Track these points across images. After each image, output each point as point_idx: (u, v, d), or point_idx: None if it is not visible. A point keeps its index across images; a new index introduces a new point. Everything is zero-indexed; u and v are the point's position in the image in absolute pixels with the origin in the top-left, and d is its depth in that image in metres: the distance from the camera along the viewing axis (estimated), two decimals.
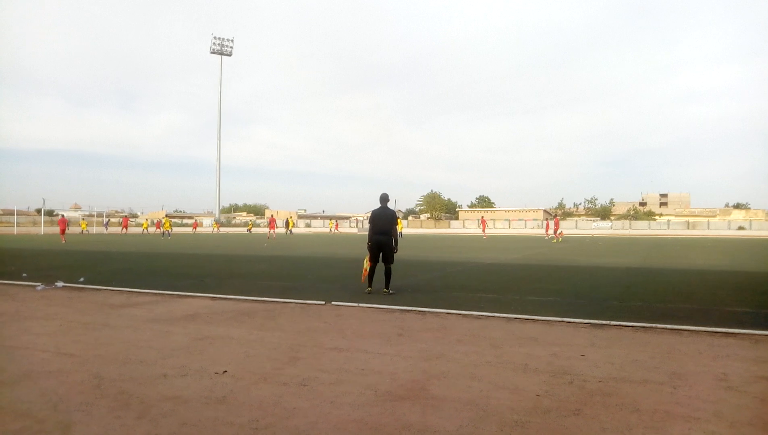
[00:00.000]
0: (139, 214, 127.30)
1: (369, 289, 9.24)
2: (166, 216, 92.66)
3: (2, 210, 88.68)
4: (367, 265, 9.39)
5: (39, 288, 9.76)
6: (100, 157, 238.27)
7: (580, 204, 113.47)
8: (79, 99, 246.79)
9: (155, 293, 9.23)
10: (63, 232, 34.65)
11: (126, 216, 60.87)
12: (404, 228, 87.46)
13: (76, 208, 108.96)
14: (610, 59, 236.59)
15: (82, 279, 11.00)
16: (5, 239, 35.95)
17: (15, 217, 58.58)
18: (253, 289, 9.68)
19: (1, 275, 11.93)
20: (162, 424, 3.30)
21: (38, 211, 68.27)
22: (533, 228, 79.83)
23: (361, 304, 7.99)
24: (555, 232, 37.27)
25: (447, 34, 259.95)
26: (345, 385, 4.11)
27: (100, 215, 62.89)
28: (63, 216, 41.05)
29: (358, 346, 5.39)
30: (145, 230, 54.12)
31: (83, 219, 56.56)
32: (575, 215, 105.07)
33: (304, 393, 3.90)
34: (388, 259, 9.28)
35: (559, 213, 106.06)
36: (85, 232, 51.24)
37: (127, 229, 53.67)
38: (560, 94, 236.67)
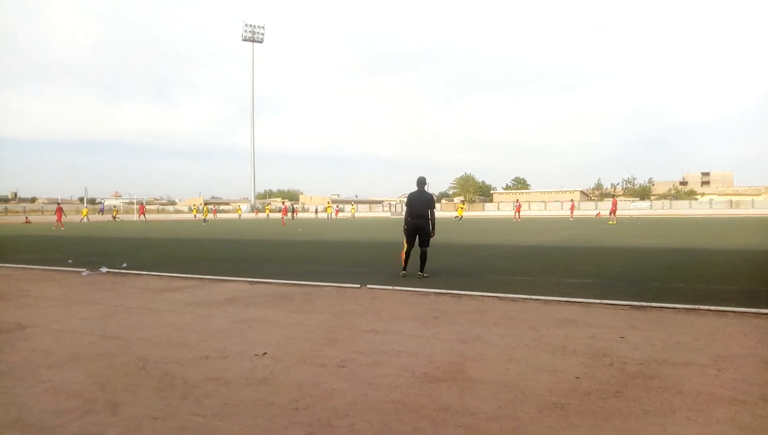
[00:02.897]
0: (177, 201, 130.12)
1: (404, 272, 9.23)
2: (205, 203, 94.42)
3: (47, 199, 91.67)
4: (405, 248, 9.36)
5: (84, 274, 10.08)
6: (138, 146, 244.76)
7: (617, 184, 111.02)
8: (116, 90, 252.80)
9: (195, 278, 9.44)
10: (60, 219, 36.25)
11: (142, 203, 62.55)
12: (438, 211, 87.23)
13: (117, 196, 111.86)
14: (648, 33, 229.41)
15: (124, 265, 11.32)
16: (50, 227, 37.19)
17: (59, 204, 60.47)
18: (289, 273, 9.81)
19: (48, 262, 12.37)
20: (205, 404, 3.39)
21: (81, 199, 70.25)
22: (568, 210, 78.54)
23: (396, 287, 8.01)
24: (612, 212, 36.46)
25: (477, 12, 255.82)
26: (382, 366, 4.14)
27: (139, 202, 64.45)
28: (59, 204, 42.60)
29: (394, 329, 5.42)
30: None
31: (86, 207, 58.05)
32: (613, 195, 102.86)
33: (342, 374, 3.95)
34: (425, 243, 9.22)
35: (596, 193, 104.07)
36: (84, 220, 52.30)
37: (144, 215, 55.55)
38: (597, 71, 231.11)
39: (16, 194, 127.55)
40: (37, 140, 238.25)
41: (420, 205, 9.18)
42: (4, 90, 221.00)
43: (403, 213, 9.58)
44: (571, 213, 49.37)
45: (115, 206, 62.31)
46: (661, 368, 4.02)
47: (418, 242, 9.23)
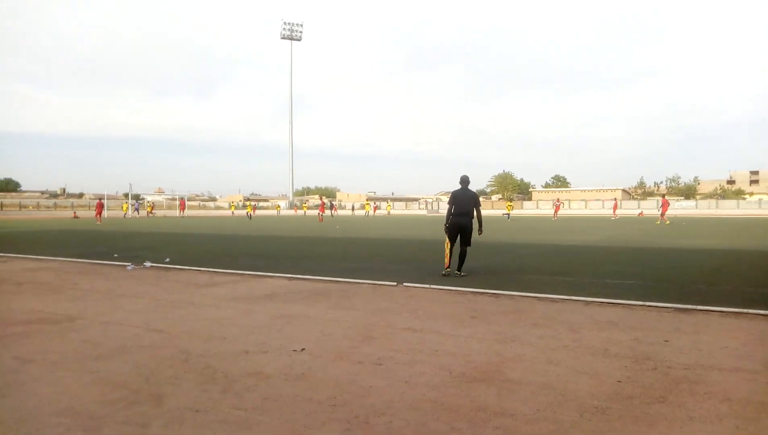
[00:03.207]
0: (218, 197, 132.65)
1: (447, 270, 9.14)
2: (245, 199, 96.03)
3: (93, 194, 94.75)
4: (447, 249, 9.29)
5: (129, 268, 10.39)
6: (181, 143, 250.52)
7: (661, 182, 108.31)
8: (160, 88, 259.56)
9: (236, 273, 9.62)
10: (99, 214, 37.42)
11: (183, 199, 64.05)
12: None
13: (160, 192, 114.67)
14: (692, 28, 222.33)
15: (167, 259, 11.61)
16: (94, 222, 38.41)
17: (105, 201, 62.46)
18: (326, 270, 9.89)
19: (95, 256, 12.80)
20: (246, 398, 3.45)
21: (125, 195, 72.43)
22: (611, 208, 76.87)
23: (432, 286, 7.99)
24: (662, 213, 35.18)
25: (515, 7, 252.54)
26: (419, 365, 4.14)
27: (181, 198, 66.02)
28: (99, 200, 44.04)
29: (431, 327, 5.41)
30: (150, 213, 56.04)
31: (127, 202, 59.75)
32: (656, 194, 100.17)
33: (379, 372, 3.97)
34: (467, 242, 9.17)
35: (638, 192, 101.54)
36: (128, 215, 53.91)
37: (183, 211, 56.99)
38: (639, 66, 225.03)
39: (64, 190, 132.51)
40: (85, 137, 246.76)
41: (465, 203, 9.13)
42: (56, 89, 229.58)
43: (444, 211, 9.55)
44: (614, 212, 48.38)
45: (149, 203, 63.99)
46: (708, 374, 3.90)
47: (460, 240, 9.17)
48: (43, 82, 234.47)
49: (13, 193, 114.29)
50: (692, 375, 3.87)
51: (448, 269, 9.14)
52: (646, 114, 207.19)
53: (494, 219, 41.83)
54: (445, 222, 9.40)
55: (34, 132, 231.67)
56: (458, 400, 3.41)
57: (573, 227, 28.41)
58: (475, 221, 9.22)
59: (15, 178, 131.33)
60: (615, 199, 61.28)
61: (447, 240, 9.33)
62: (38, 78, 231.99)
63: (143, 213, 59.49)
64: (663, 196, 49.67)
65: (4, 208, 75.98)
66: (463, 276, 8.90)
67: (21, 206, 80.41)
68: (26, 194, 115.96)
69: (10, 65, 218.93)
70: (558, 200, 48.29)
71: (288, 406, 3.32)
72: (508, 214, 46.00)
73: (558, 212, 47.66)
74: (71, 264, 11.29)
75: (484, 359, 4.29)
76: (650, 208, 70.95)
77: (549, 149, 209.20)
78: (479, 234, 9.34)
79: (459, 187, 9.32)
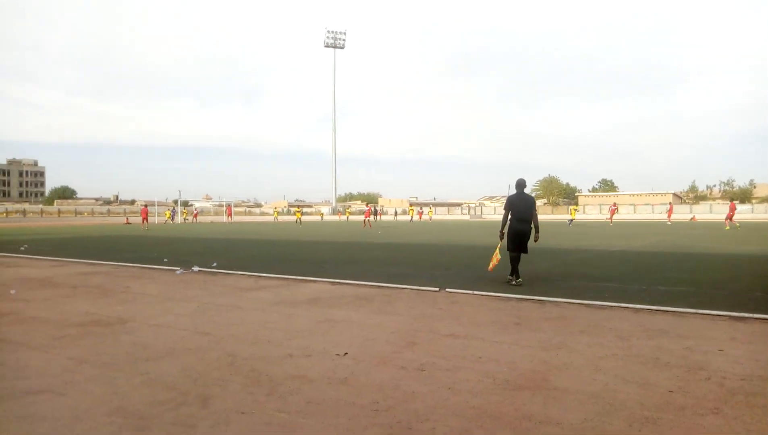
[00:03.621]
0: (263, 203, 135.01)
1: (519, 280, 8.65)
2: (294, 205, 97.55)
3: (144, 201, 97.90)
4: (497, 254, 9.06)
5: (178, 272, 10.67)
6: (227, 151, 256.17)
7: (714, 186, 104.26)
8: (207, 97, 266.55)
9: (280, 278, 9.76)
10: (145, 219, 38.45)
11: (230, 205, 65.47)
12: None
13: (208, 198, 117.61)
14: (747, 25, 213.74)
15: (214, 264, 11.88)
16: (152, 228, 39.62)
17: (156, 207, 64.44)
18: (369, 275, 9.93)
19: (146, 260, 13.21)
20: (290, 401, 3.49)
21: (175, 201, 74.60)
22: (661, 213, 74.48)
23: (475, 292, 7.91)
24: (730, 218, 33.15)
25: (560, 9, 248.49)
26: (462, 371, 4.10)
27: (227, 205, 67.51)
28: (145, 205, 45.51)
29: (474, 334, 5.35)
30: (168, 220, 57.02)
31: (169, 209, 61.28)
32: (709, 199, 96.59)
33: (422, 378, 3.95)
34: (524, 248, 8.80)
35: (690, 196, 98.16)
36: (168, 221, 55.28)
37: (231, 217, 57.97)
38: (689, 67, 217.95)
39: (117, 196, 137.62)
40: (137, 146, 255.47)
41: (524, 209, 8.75)
42: (111, 100, 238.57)
43: (496, 216, 9.21)
44: (669, 216, 46.85)
45: (185, 208, 65.75)
46: (766, 385, 3.73)
47: (518, 247, 8.78)
48: (98, 94, 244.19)
49: (70, 200, 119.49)
50: (749, 386, 3.71)
51: (520, 279, 8.66)
52: (697, 115, 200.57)
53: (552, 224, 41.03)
54: (500, 228, 9.04)
55: (89, 142, 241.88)
56: (502, 407, 3.36)
57: (623, 232, 27.65)
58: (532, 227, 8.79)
59: (71, 186, 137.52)
60: (670, 204, 59.32)
61: (498, 247, 9.06)
62: (93, 90, 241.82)
63: (179, 219, 60.84)
64: (731, 199, 47.49)
65: (61, 215, 79.43)
66: (519, 284, 8.52)
67: (77, 213, 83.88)
68: (81, 201, 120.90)
69: (68, 78, 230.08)
70: (614, 204, 46.27)
71: (331, 409, 3.34)
72: (572, 220, 44.03)
73: (613, 216, 45.78)
74: (123, 268, 11.68)
75: (529, 367, 4.22)
76: (702, 212, 68.50)
77: (595, 152, 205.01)
78: (535, 241, 8.94)
79: (514, 191, 8.93)
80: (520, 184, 8.96)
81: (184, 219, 61.42)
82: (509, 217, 8.85)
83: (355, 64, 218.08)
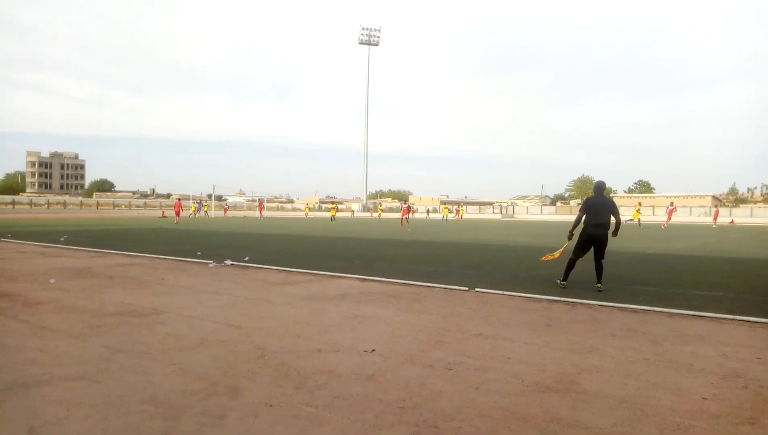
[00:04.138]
0: (295, 199, 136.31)
1: (564, 283, 8.44)
2: (331, 202, 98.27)
3: (180, 195, 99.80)
4: (559, 251, 8.95)
5: (211, 265, 10.86)
6: (260, 147, 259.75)
7: (755, 188, 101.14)
8: (240, 94, 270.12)
9: (310, 273, 9.84)
10: (178, 213, 38.80)
11: (261, 200, 65.90)
12: (552, 214, 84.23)
13: (241, 193, 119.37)
14: None
15: (246, 258, 12.05)
16: (181, 221, 40.41)
17: (190, 201, 65.69)
18: (398, 272, 9.93)
19: (180, 253, 13.47)
20: (317, 395, 3.52)
21: (209, 196, 75.89)
22: (699, 216, 72.59)
23: (506, 292, 7.84)
24: None
25: (595, 6, 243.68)
26: (490, 372, 4.07)
27: (260, 200, 68.34)
28: (179, 199, 45.80)
29: (503, 334, 5.31)
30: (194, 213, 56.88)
31: (193, 202, 61.53)
32: (750, 201, 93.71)
33: (449, 377, 3.94)
34: (601, 255, 8.35)
35: (730, 199, 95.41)
36: (193, 215, 55.39)
37: (262, 212, 58.50)
38: (731, 64, 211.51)
39: (154, 190, 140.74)
40: (174, 140, 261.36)
41: (604, 214, 8.23)
42: (147, 95, 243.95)
43: (574, 218, 8.51)
44: (715, 220, 45.69)
45: (205, 203, 66.41)
46: None
47: (594, 253, 8.34)
48: (137, 88, 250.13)
49: (108, 193, 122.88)
50: None
51: (566, 283, 8.48)
52: (738, 115, 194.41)
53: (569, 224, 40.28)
54: (570, 229, 8.69)
55: (127, 136, 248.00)
56: (530, 409, 3.33)
57: (659, 235, 27.03)
58: (610, 233, 8.41)
59: (110, 179, 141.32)
60: (716, 207, 57.94)
61: (564, 246, 8.84)
62: (131, 85, 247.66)
63: (202, 213, 61.23)
64: None
65: (99, 207, 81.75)
66: (600, 291, 8.11)
67: (114, 205, 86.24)
68: (119, 194, 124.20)
69: (106, 74, 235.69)
70: (672, 204, 42.73)
71: (358, 405, 3.36)
72: (639, 220, 40.77)
73: (671, 217, 42.29)
74: (158, 260, 11.93)
75: (559, 369, 4.17)
76: (743, 216, 66.51)
77: (631, 152, 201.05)
78: (614, 235, 8.55)
79: (593, 194, 8.49)
80: (600, 187, 8.49)
81: (205, 212, 62.09)
82: (583, 219, 8.41)
83: (389, 61, 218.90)
